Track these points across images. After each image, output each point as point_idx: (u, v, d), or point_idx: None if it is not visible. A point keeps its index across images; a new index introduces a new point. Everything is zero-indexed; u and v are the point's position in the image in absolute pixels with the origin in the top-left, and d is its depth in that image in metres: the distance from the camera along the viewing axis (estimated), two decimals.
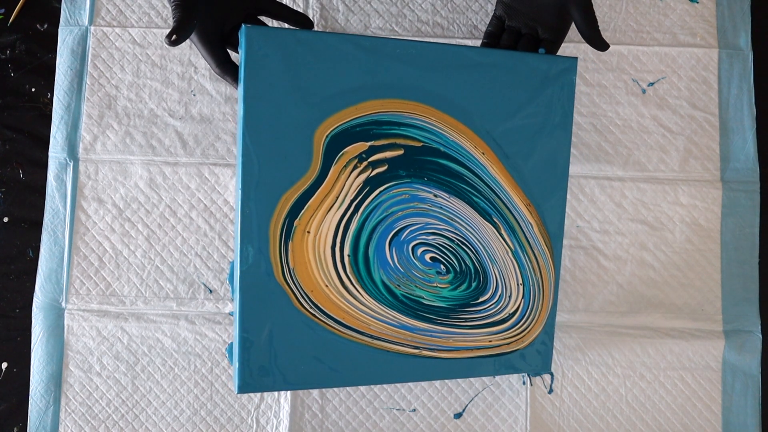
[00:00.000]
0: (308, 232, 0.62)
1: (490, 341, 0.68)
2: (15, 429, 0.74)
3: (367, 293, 0.65)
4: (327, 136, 0.62)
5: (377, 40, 0.62)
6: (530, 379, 0.74)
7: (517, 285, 0.67)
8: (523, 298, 0.68)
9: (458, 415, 0.74)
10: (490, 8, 0.78)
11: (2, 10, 0.79)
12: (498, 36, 0.69)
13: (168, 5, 0.57)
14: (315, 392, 0.74)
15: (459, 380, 0.74)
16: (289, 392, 0.74)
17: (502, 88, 0.65)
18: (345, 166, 0.62)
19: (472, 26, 0.78)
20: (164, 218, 0.76)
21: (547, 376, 0.74)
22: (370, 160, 0.63)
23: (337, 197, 0.63)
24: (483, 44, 0.69)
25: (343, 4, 0.78)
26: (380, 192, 0.64)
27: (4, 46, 0.79)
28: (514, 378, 0.74)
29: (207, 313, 0.75)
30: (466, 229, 0.66)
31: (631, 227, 0.76)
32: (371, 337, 0.65)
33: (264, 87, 0.59)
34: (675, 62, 0.78)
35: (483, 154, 0.66)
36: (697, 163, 0.77)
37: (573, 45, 0.77)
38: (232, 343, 0.74)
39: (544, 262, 0.67)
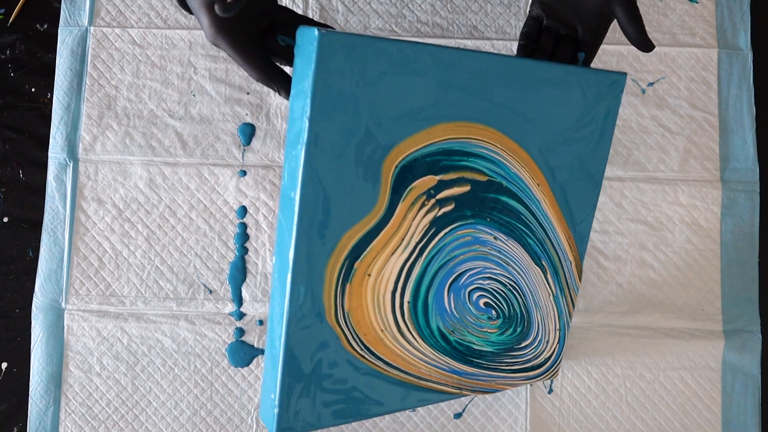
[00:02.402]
0: (369, 275, 0.56)
1: (530, 384, 0.70)
2: (15, 429, 0.74)
3: (423, 340, 0.61)
4: (396, 167, 0.54)
5: (456, 52, 0.53)
6: None
7: (555, 330, 0.67)
8: (558, 342, 0.68)
9: (458, 415, 0.74)
10: (490, 8, 0.78)
11: (2, 10, 0.79)
12: (535, 37, 0.62)
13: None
14: None
15: None
16: None
17: (559, 106, 0.59)
18: (413, 203, 0.56)
19: (471, 26, 0.78)
20: (164, 219, 0.76)
21: None
22: (438, 197, 0.57)
23: (403, 239, 0.56)
24: (520, 46, 0.62)
25: (342, 5, 0.78)
26: (445, 234, 0.58)
27: (4, 46, 0.79)
28: None
29: (207, 314, 0.75)
30: (518, 273, 0.63)
31: (631, 227, 0.76)
32: (419, 378, 0.62)
33: (335, 105, 0.50)
34: (674, 62, 0.78)
35: (538, 185, 0.61)
36: (697, 163, 0.77)
37: None
38: (232, 343, 0.74)
39: (578, 301, 0.67)
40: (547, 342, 0.67)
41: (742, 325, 0.75)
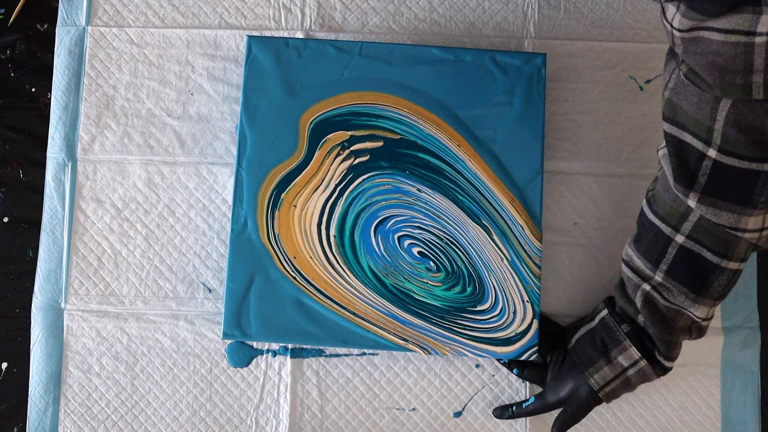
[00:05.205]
0: (294, 206, 0.69)
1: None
2: (15, 429, 0.75)
3: (354, 275, 0.69)
4: (311, 123, 0.70)
5: (351, 43, 0.71)
6: None
7: (522, 302, 0.68)
8: (534, 318, 0.68)
9: (458, 414, 0.74)
10: (488, 5, 0.78)
11: (2, 10, 0.79)
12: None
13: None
14: (314, 392, 0.74)
15: (458, 379, 0.74)
16: (288, 393, 0.74)
17: (468, 80, 0.70)
18: (329, 152, 0.70)
19: (469, 23, 0.78)
20: (163, 218, 0.76)
21: None
22: (352, 149, 0.70)
23: (323, 180, 0.70)
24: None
25: (340, 2, 0.78)
26: (363, 180, 0.70)
27: (4, 46, 0.79)
28: (513, 376, 0.74)
29: (206, 313, 0.75)
30: (455, 228, 0.69)
31: (630, 224, 0.75)
32: (354, 314, 0.69)
33: (260, 80, 0.71)
34: None
35: (459, 146, 0.70)
36: None
37: (570, 42, 0.77)
38: (231, 343, 0.74)
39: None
40: (514, 313, 0.68)
41: (741, 321, 0.74)
